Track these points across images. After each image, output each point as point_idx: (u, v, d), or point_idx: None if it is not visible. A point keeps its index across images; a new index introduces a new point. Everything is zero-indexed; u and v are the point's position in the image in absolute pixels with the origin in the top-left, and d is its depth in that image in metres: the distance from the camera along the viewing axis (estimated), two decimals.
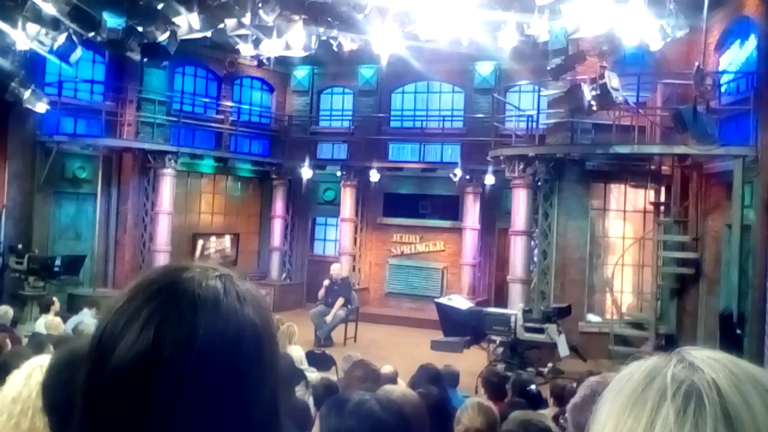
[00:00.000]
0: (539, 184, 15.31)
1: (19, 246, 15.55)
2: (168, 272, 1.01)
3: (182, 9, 12.30)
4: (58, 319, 10.18)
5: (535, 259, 15.56)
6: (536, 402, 7.13)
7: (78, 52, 13.09)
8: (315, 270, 20.91)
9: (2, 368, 4.93)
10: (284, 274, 21.43)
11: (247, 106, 21.76)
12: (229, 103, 21.18)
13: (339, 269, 17.45)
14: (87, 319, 10.77)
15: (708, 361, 0.83)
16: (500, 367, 11.43)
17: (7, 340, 7.03)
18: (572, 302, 13.63)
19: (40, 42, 12.29)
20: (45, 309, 11.10)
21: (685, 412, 0.78)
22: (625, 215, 15.49)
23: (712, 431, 0.76)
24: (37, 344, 6.50)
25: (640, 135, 14.18)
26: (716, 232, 13.80)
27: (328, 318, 16.01)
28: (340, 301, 16.25)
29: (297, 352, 9.31)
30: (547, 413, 5.90)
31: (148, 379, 0.87)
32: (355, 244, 20.68)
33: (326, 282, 16.59)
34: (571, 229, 14.95)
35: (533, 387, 6.74)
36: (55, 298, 11.80)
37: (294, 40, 13.51)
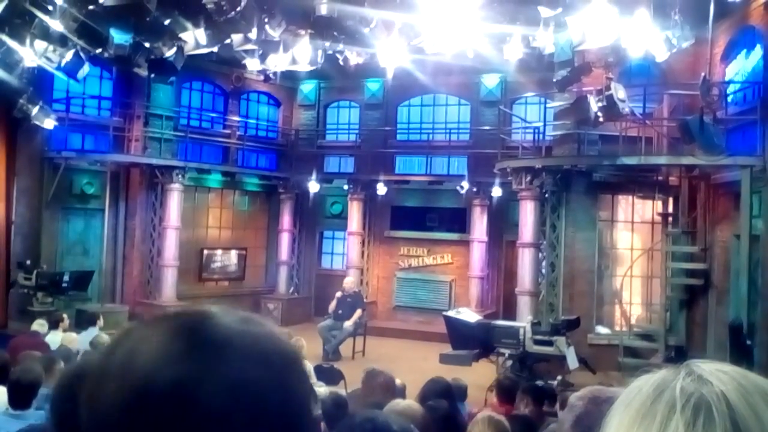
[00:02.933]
0: (546, 195, 15.29)
1: (28, 262, 15.60)
2: (194, 313, 0.91)
3: (189, 25, 12.39)
4: (74, 334, 10.24)
5: (543, 271, 15.51)
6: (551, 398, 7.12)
7: (85, 69, 13.18)
8: (323, 284, 20.90)
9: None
10: (292, 288, 21.41)
11: (253, 121, 21.81)
12: (236, 118, 21.24)
13: (352, 283, 17.50)
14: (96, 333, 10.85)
15: (717, 373, 0.84)
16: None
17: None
18: (581, 314, 13.58)
19: (48, 58, 12.38)
20: (54, 325, 11.15)
21: (695, 425, 0.78)
22: (633, 226, 15.45)
23: None
24: (48, 360, 6.42)
25: (647, 146, 14.15)
26: (725, 243, 13.75)
27: (348, 323, 16.04)
28: (358, 312, 16.31)
29: (306, 367, 9.27)
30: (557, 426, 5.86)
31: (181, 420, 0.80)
32: (362, 257, 20.68)
33: (338, 294, 16.59)
34: (579, 240, 14.92)
35: (550, 383, 6.73)
36: (64, 315, 11.85)
37: (300, 54, 13.58)
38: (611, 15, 10.92)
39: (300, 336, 10.25)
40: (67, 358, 6.78)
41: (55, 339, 10.43)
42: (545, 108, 18.02)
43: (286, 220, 21.25)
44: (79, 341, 10.01)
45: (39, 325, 10.69)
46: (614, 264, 15.38)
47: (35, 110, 14.62)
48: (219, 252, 20.75)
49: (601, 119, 12.56)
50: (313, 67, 14.51)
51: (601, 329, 14.92)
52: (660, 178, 14.93)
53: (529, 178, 15.09)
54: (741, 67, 13.94)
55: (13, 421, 4.54)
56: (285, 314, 19.93)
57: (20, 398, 4.84)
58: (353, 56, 14.49)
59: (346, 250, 20.88)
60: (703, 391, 0.81)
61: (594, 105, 12.28)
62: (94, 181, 17.92)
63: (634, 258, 15.17)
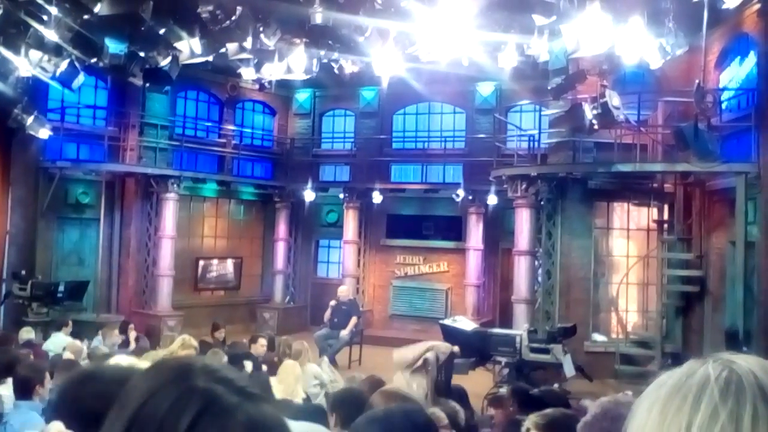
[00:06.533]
0: (542, 203, 15.30)
1: (23, 272, 15.53)
2: None
3: (184, 34, 12.39)
4: (80, 344, 10.28)
5: (539, 278, 15.52)
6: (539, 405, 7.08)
7: (80, 78, 13.17)
8: (319, 293, 20.86)
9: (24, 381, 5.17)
10: (288, 297, 21.36)
11: (249, 130, 21.80)
12: (231, 127, 21.24)
13: (347, 291, 17.46)
14: (98, 344, 10.98)
15: (741, 357, 0.98)
16: (505, 389, 11.38)
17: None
18: (577, 322, 13.56)
19: (43, 68, 12.37)
20: (58, 328, 11.48)
21: (728, 390, 0.92)
22: (628, 234, 15.46)
23: (752, 404, 0.90)
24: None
25: (642, 153, 14.18)
26: (720, 249, 13.76)
27: (343, 333, 16.00)
28: (354, 320, 16.27)
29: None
30: None
31: None
32: (358, 266, 20.65)
33: (332, 303, 16.54)
34: (574, 248, 14.92)
35: (535, 391, 6.72)
36: (69, 320, 12.04)
37: (295, 63, 13.59)
38: (605, 23, 10.94)
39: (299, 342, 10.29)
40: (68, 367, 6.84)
41: (56, 341, 10.58)
42: (540, 116, 18.08)
43: (281, 229, 21.23)
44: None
45: (26, 332, 10.82)
46: (610, 271, 15.39)
47: (30, 120, 14.59)
48: (215, 261, 20.71)
49: (595, 127, 12.59)
50: (308, 76, 14.52)
51: (598, 337, 14.92)
52: (655, 185, 14.96)
53: (524, 186, 15.10)
54: (735, 74, 14.00)
55: (14, 411, 4.92)
56: (281, 323, 19.87)
57: (23, 390, 5.17)
58: (348, 65, 14.50)
59: (341, 258, 20.85)
60: (733, 367, 0.95)
61: (589, 112, 12.30)
62: (89, 190, 17.89)
63: (630, 265, 15.18)
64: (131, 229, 18.48)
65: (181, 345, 8.57)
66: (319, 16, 11.62)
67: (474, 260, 19.23)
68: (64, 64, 12.45)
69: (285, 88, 20.03)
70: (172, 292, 18.23)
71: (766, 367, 0.94)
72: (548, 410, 3.74)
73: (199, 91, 20.70)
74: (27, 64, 12.24)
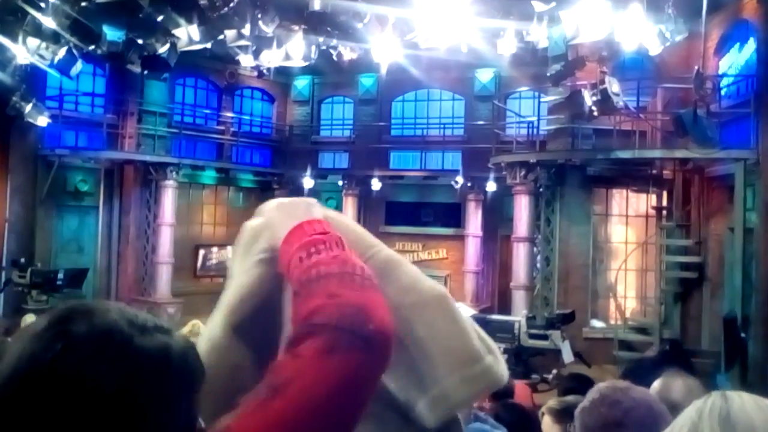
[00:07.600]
0: (541, 190, 15.30)
1: (22, 260, 15.54)
2: None
3: (182, 21, 12.34)
4: None
5: (538, 265, 15.54)
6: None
7: (78, 66, 13.13)
8: None
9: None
10: None
11: (248, 117, 21.79)
12: (230, 114, 21.21)
13: None
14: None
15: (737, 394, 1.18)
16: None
17: None
18: (576, 308, 13.60)
19: (41, 56, 12.32)
20: None
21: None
22: (627, 220, 15.48)
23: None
24: None
25: (641, 140, 14.17)
26: (719, 236, 13.77)
27: None
28: None
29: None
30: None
31: None
32: None
33: None
34: (573, 234, 14.94)
35: (545, 376, 6.77)
36: None
37: (294, 50, 13.57)
38: (604, 9, 10.91)
39: None
40: None
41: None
42: (539, 102, 18.04)
43: None
44: None
45: (29, 318, 10.89)
46: (609, 258, 15.41)
47: (28, 108, 14.55)
48: (214, 249, 20.71)
49: (595, 113, 12.57)
50: (307, 63, 14.50)
51: (596, 323, 14.96)
52: (654, 171, 14.96)
53: (523, 173, 15.11)
54: (734, 60, 13.97)
55: None
56: None
57: None
58: (347, 51, 14.47)
59: None
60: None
61: (588, 99, 12.28)
62: (88, 178, 17.88)
63: (628, 252, 15.20)
64: (130, 216, 18.48)
65: (189, 332, 8.52)
66: (317, 2, 11.59)
67: (473, 247, 19.25)
68: (62, 52, 12.41)
69: (284, 75, 19.99)
70: (172, 279, 18.25)
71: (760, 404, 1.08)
72: (567, 397, 3.77)
73: (197, 79, 20.65)
74: (25, 51, 12.20)
